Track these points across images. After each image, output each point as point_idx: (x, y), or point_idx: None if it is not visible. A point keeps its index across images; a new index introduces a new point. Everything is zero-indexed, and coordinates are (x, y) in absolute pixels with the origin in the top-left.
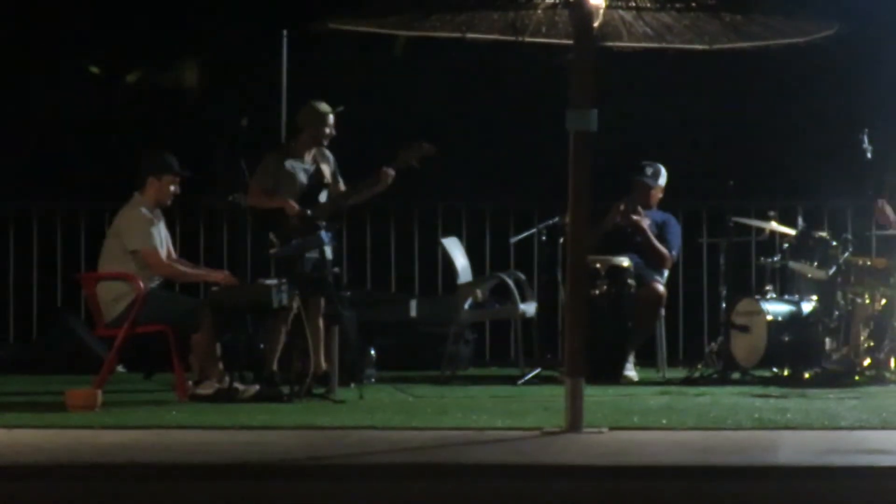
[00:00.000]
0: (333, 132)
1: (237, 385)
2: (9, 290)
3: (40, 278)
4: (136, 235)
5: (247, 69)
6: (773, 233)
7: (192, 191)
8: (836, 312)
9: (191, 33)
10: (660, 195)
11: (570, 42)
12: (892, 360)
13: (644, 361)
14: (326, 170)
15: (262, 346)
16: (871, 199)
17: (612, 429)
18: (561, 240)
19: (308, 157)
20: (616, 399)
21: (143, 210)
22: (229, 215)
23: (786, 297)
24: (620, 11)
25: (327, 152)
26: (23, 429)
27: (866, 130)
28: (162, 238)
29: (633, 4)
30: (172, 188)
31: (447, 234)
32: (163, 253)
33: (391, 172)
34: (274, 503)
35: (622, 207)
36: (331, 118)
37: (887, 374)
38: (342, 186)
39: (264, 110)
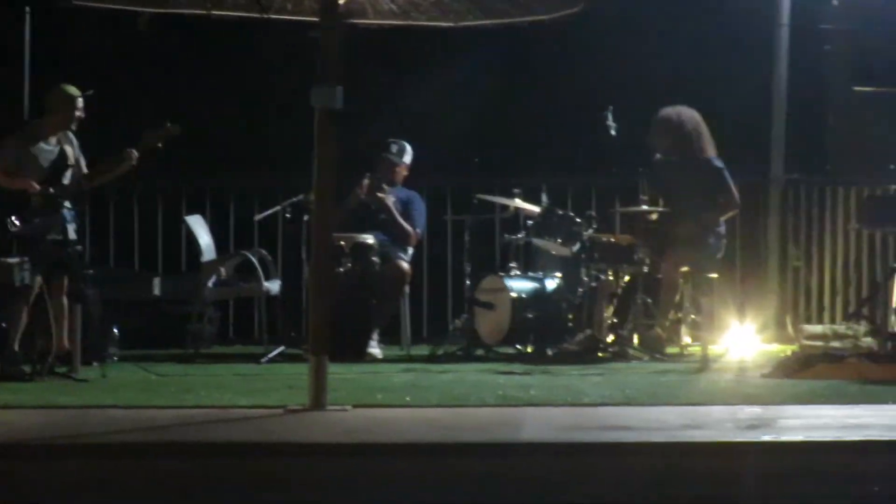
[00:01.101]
0: (83, 115)
1: None
2: None
3: None
4: None
5: None
6: (517, 210)
7: None
8: (580, 289)
9: None
10: (405, 172)
11: (316, 19)
12: (636, 337)
13: (389, 339)
14: (70, 151)
15: (2, 324)
16: (616, 177)
17: (356, 406)
18: (305, 217)
19: (53, 139)
20: (360, 377)
21: None
22: None
23: (530, 274)
24: None
25: (70, 134)
26: None
27: (610, 108)
28: None
29: None
30: None
31: (191, 211)
32: None
33: (135, 154)
34: (15, 483)
35: (366, 184)
36: (80, 102)
37: (630, 351)
38: (84, 168)
39: (5, 90)
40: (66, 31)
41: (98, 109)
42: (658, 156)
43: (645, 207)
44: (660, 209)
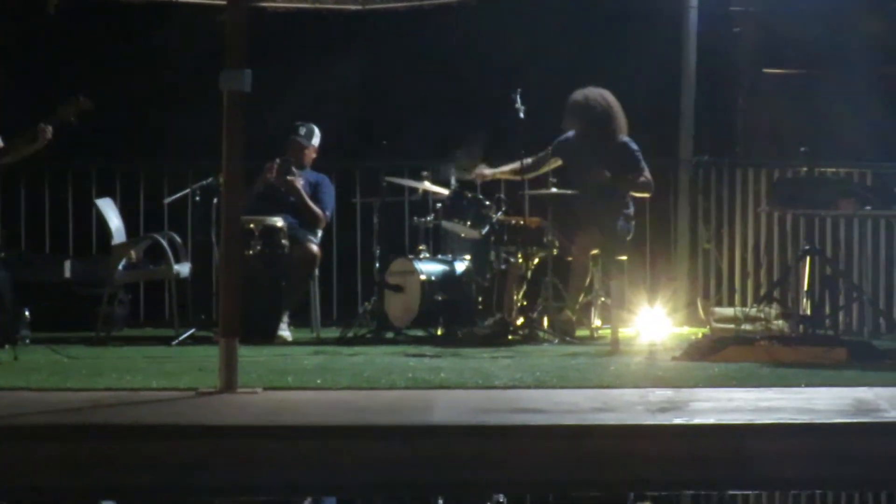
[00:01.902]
0: None
1: None
2: None
3: None
4: None
5: None
6: (426, 193)
7: None
8: (490, 272)
9: None
10: (313, 155)
11: (223, 2)
12: (546, 320)
13: (298, 321)
14: None
15: None
16: (522, 157)
17: (266, 389)
18: (215, 200)
19: None
20: (270, 359)
21: None
22: None
23: (439, 256)
24: None
25: None
26: None
27: (519, 90)
28: None
29: None
30: None
31: (101, 194)
32: None
33: (48, 129)
34: None
35: (275, 167)
36: None
37: (540, 334)
38: None
39: None
40: None
41: (6, 90)
42: (568, 135)
43: (554, 189)
44: (567, 192)
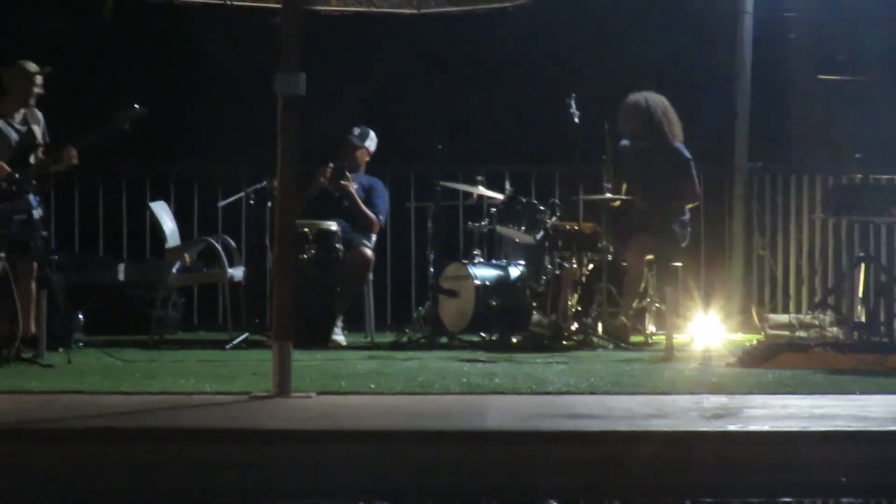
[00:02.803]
0: (41, 92)
1: None
2: None
3: None
4: None
5: None
6: (480, 197)
7: None
8: (544, 277)
9: None
10: (367, 158)
11: (278, 6)
12: (600, 325)
13: (352, 326)
14: (38, 130)
15: None
16: (579, 164)
17: (320, 393)
18: (269, 204)
19: (18, 116)
20: (324, 363)
21: None
22: None
23: (494, 261)
24: None
25: (38, 113)
26: None
27: (573, 96)
28: None
29: None
30: None
31: (155, 197)
32: None
33: (74, 153)
34: None
35: (328, 171)
36: (39, 78)
37: (594, 339)
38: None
39: None
40: (31, 15)
41: (61, 93)
42: (624, 142)
43: (609, 195)
44: (623, 197)
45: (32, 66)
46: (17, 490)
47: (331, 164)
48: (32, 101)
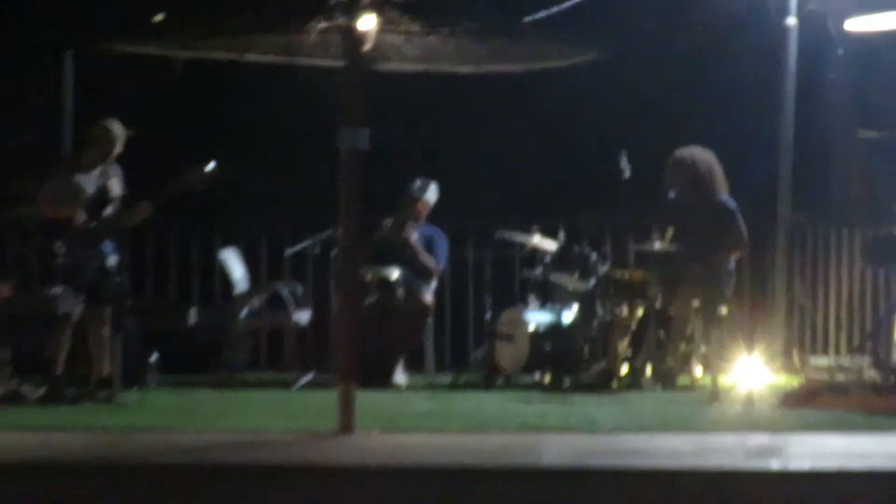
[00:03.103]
0: (121, 150)
1: (23, 388)
2: None
3: None
4: None
5: (32, 87)
6: (535, 246)
7: None
8: (596, 322)
9: None
10: (427, 209)
11: (342, 64)
12: (649, 368)
13: (413, 368)
14: (115, 184)
15: (46, 352)
16: (629, 215)
17: (382, 432)
18: (333, 252)
19: (95, 171)
20: (386, 403)
21: None
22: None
23: (548, 307)
24: (390, 36)
25: (116, 167)
26: None
27: (625, 152)
28: None
29: (403, 29)
30: None
31: (225, 245)
32: None
33: (150, 208)
34: (57, 502)
35: (389, 224)
36: (121, 138)
37: (644, 382)
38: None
39: (48, 126)
40: (108, 73)
41: (136, 148)
42: (671, 194)
43: (658, 245)
44: (671, 247)
45: (117, 128)
46: None
47: (391, 219)
48: (111, 160)
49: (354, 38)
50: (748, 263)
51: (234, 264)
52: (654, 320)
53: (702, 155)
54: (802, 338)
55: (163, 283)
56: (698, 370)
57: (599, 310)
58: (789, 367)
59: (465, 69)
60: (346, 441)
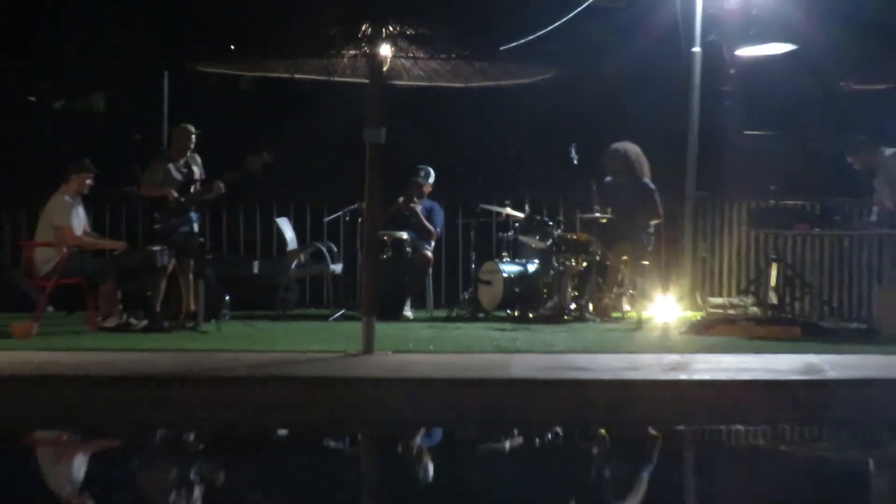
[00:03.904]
0: (194, 144)
1: (131, 320)
2: None
3: None
4: (58, 215)
5: (138, 98)
6: (508, 215)
7: (100, 184)
8: (552, 272)
9: (100, 72)
10: (429, 190)
11: (367, 81)
12: (591, 305)
13: (417, 305)
14: (196, 170)
15: (148, 293)
16: (577, 193)
17: (395, 352)
18: (359, 220)
19: (182, 160)
20: (398, 331)
21: (66, 197)
22: (128, 201)
23: (516, 260)
24: (402, 60)
25: (197, 157)
26: None
27: (574, 144)
28: (80, 218)
29: (411, 55)
30: (88, 181)
31: (282, 214)
32: (77, 229)
33: (223, 186)
34: (155, 405)
35: (401, 201)
36: (193, 136)
37: (587, 315)
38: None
39: (150, 127)
40: (194, 86)
41: (211, 141)
42: (608, 178)
43: (597, 214)
44: (608, 216)
45: (190, 128)
46: (182, 422)
47: (402, 198)
48: (190, 152)
49: (375, 62)
50: (664, 228)
51: (286, 228)
52: (595, 270)
53: (631, 147)
54: (703, 283)
55: (234, 242)
56: (627, 306)
57: (554, 262)
58: (694, 305)
59: (457, 85)
60: (368, 359)
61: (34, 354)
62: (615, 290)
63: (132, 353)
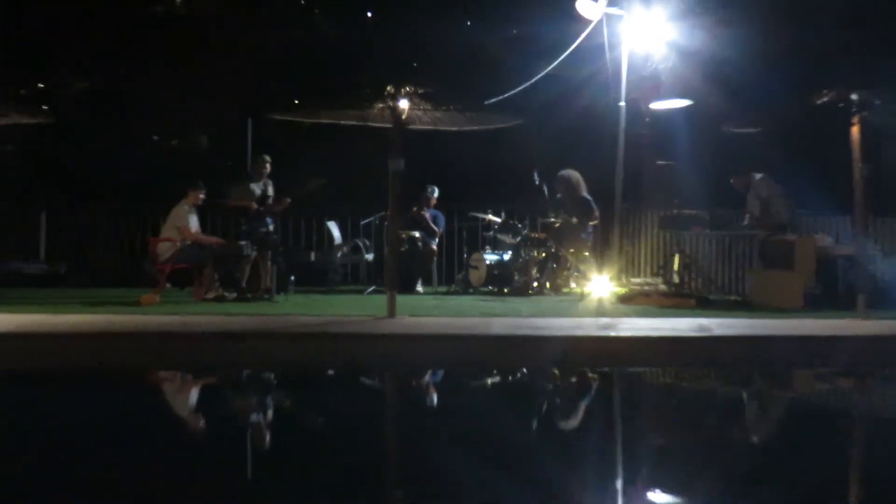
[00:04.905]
0: (268, 170)
1: (225, 293)
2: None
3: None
4: (181, 219)
5: (227, 140)
6: (490, 220)
7: (209, 198)
8: (520, 260)
9: (203, 119)
10: (434, 202)
11: (390, 125)
12: (548, 284)
13: (426, 283)
14: (270, 188)
15: (236, 274)
16: (538, 204)
17: (410, 316)
18: (385, 223)
19: (261, 181)
20: (412, 301)
21: (185, 206)
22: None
23: (496, 252)
24: (415, 111)
25: (269, 180)
26: (115, 315)
27: (536, 170)
28: (194, 221)
29: (421, 108)
30: (201, 196)
31: (331, 218)
32: (193, 229)
33: (288, 200)
34: (243, 353)
35: (415, 210)
36: (268, 164)
37: (545, 291)
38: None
39: (237, 158)
40: (270, 128)
41: (281, 169)
42: (558, 195)
43: (552, 220)
44: (559, 221)
45: (266, 157)
46: (262, 364)
47: (414, 207)
48: (266, 175)
49: (396, 113)
50: (600, 229)
51: (334, 228)
52: (550, 259)
53: (573, 173)
54: (627, 267)
55: (297, 238)
56: (573, 284)
57: (522, 253)
58: (621, 283)
59: (454, 129)
60: (392, 321)
61: (159, 317)
62: (565, 272)
63: (226, 317)
